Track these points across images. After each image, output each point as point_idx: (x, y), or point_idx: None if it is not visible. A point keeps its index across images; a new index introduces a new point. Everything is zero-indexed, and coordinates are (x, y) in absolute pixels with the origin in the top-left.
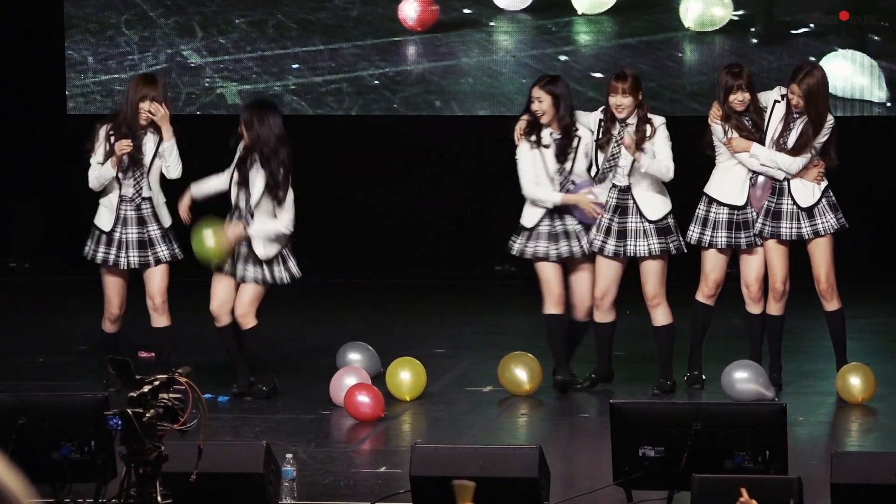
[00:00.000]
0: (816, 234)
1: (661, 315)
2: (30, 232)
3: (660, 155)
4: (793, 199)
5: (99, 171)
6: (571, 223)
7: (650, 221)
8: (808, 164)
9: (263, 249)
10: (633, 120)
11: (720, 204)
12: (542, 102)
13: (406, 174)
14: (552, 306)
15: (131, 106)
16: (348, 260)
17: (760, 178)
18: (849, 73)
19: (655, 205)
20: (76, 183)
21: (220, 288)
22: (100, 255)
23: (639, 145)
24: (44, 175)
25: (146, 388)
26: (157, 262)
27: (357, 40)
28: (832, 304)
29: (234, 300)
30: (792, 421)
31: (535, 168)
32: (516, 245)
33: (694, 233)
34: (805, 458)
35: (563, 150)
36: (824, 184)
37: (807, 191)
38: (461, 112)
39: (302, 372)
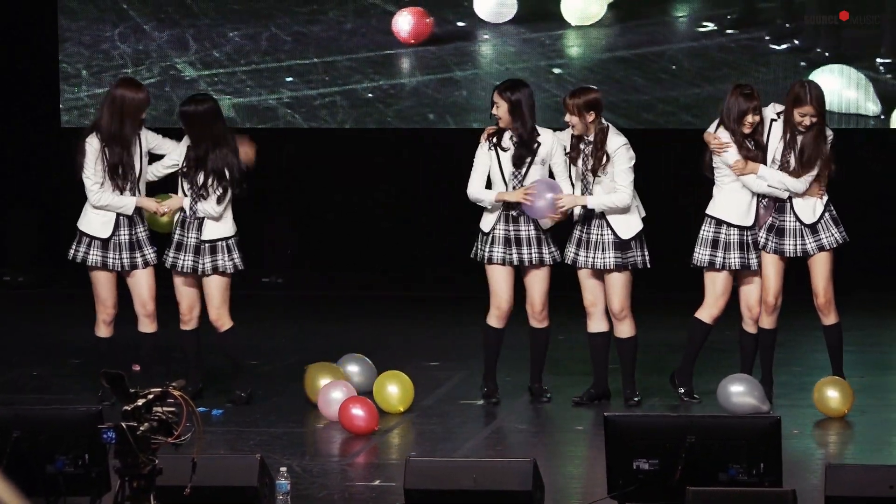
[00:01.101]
0: (821, 249)
1: (626, 328)
2: (24, 244)
3: (617, 180)
4: (795, 215)
5: (112, 200)
6: (527, 229)
7: (616, 237)
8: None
9: (207, 230)
10: (591, 137)
11: (730, 225)
12: (499, 108)
13: (400, 187)
14: (495, 319)
15: (128, 117)
16: (342, 272)
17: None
18: (838, 87)
19: (628, 224)
20: (70, 195)
21: (185, 290)
22: (94, 258)
23: (594, 171)
24: (38, 187)
25: (140, 402)
26: (146, 263)
27: (351, 53)
28: (829, 319)
29: (199, 301)
30: (786, 433)
31: (485, 169)
32: (477, 250)
33: (703, 255)
34: (800, 471)
35: (521, 157)
36: (825, 198)
37: (809, 207)
38: (455, 125)
39: (297, 384)
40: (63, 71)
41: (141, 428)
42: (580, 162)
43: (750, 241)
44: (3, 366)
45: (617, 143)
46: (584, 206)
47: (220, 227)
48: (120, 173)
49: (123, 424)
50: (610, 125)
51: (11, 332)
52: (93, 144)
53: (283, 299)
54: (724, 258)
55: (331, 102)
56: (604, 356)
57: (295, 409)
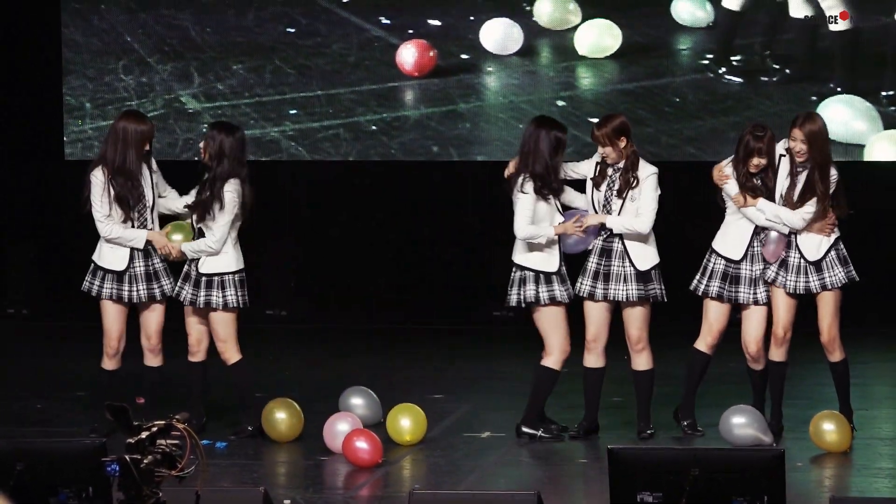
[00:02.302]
0: (824, 288)
1: (643, 360)
2: (27, 277)
3: (640, 204)
4: (800, 252)
5: (122, 233)
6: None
7: (636, 269)
8: (818, 217)
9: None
10: (622, 164)
11: (719, 255)
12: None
13: (402, 219)
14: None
15: (131, 148)
16: (345, 305)
17: (773, 234)
18: (846, 117)
19: (645, 255)
20: (73, 228)
21: (194, 322)
22: (109, 291)
23: (621, 192)
24: (41, 220)
25: (144, 434)
26: (163, 295)
27: (355, 86)
28: (835, 356)
29: (208, 334)
30: (790, 466)
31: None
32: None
33: (695, 281)
34: None
35: (543, 195)
36: (835, 235)
37: (814, 244)
38: (459, 157)
39: None
40: (67, 103)
41: (144, 461)
42: (604, 186)
43: (733, 275)
44: (7, 398)
45: (648, 170)
46: (603, 230)
47: (219, 261)
48: (128, 204)
49: (127, 457)
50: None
51: (15, 365)
52: (98, 177)
53: (285, 331)
54: (706, 285)
55: (334, 135)
56: (597, 391)
57: (298, 441)
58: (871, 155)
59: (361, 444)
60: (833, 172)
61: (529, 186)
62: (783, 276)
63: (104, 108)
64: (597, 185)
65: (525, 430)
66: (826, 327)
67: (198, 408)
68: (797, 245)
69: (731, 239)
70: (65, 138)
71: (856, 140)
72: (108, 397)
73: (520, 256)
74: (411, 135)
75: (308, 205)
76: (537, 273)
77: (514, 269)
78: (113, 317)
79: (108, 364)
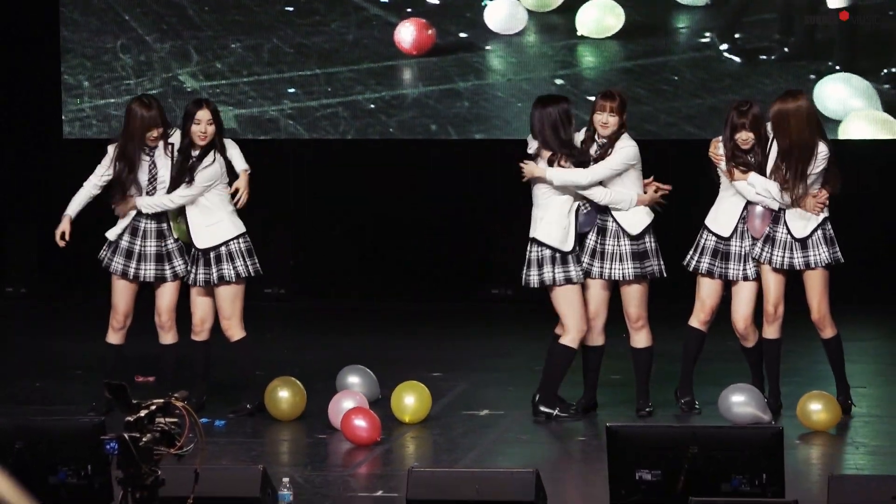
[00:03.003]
0: (807, 266)
1: (642, 338)
2: (26, 256)
3: (600, 163)
4: (787, 228)
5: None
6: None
7: (630, 238)
8: (806, 194)
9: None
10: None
11: (710, 232)
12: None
13: (402, 198)
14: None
15: (135, 135)
16: (344, 283)
17: (758, 208)
18: (844, 95)
19: (635, 220)
20: None
21: (198, 302)
22: (116, 266)
23: (599, 160)
24: (40, 199)
25: (143, 413)
26: (175, 276)
27: (353, 64)
28: (827, 333)
29: (212, 314)
30: (789, 444)
31: None
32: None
33: (688, 256)
34: (802, 482)
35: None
36: (823, 215)
37: (801, 221)
38: (457, 136)
39: None
40: (65, 82)
41: (143, 439)
42: (592, 153)
43: (723, 252)
44: (6, 377)
45: (626, 142)
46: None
47: (216, 232)
48: (121, 189)
49: (126, 435)
50: None
51: (14, 344)
52: (108, 153)
53: (284, 310)
54: (697, 261)
55: (333, 113)
56: (596, 369)
57: (297, 420)
58: (846, 133)
59: (360, 423)
60: (821, 150)
61: (566, 162)
62: (768, 251)
63: (102, 86)
64: (587, 162)
65: (543, 408)
66: (815, 305)
67: (200, 387)
68: (785, 221)
69: (721, 216)
70: (63, 117)
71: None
72: (108, 373)
73: (542, 233)
74: (410, 113)
75: (306, 183)
76: (554, 252)
77: (531, 247)
78: (119, 292)
79: (112, 337)
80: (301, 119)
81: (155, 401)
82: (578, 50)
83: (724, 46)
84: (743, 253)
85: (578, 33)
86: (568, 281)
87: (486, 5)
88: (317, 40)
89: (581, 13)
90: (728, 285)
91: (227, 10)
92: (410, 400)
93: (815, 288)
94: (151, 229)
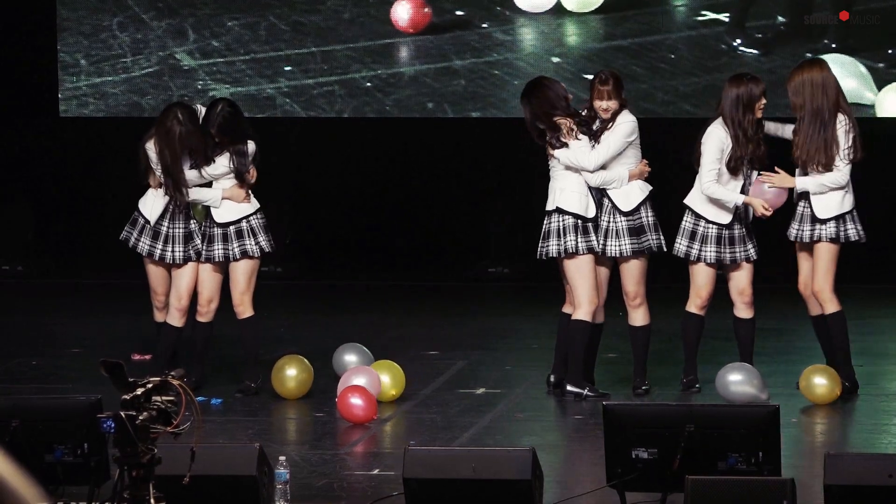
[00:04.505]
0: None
1: (640, 315)
2: (22, 234)
3: (601, 142)
4: (810, 205)
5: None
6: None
7: (624, 214)
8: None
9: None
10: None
11: (707, 221)
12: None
13: (398, 176)
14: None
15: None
16: (340, 262)
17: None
18: (838, 75)
19: (628, 196)
20: (68, 185)
21: (207, 282)
22: (143, 247)
23: (599, 134)
24: (36, 177)
25: (139, 391)
26: (197, 255)
27: (349, 42)
28: (828, 308)
29: (218, 295)
30: (785, 422)
31: None
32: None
33: (681, 245)
34: (799, 460)
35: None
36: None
37: (824, 201)
38: (453, 114)
39: None
40: (62, 60)
41: (140, 417)
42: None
43: (727, 237)
44: (3, 355)
45: (626, 117)
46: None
47: (237, 207)
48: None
49: (122, 414)
50: None
51: (10, 322)
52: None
53: (280, 288)
54: (700, 251)
55: (329, 92)
56: (594, 348)
57: (297, 398)
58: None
59: (356, 401)
60: (840, 119)
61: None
62: (793, 225)
63: (99, 64)
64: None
65: (571, 388)
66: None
67: (198, 367)
68: (809, 201)
69: (713, 203)
70: (60, 95)
71: (850, 99)
72: (163, 353)
73: (565, 201)
74: (406, 91)
75: (303, 161)
76: (577, 220)
77: (552, 218)
78: (154, 275)
79: (158, 316)
80: (297, 97)
81: (152, 379)
82: (575, 28)
83: (738, 40)
84: (743, 234)
85: (567, 9)
86: (590, 250)
87: None
88: (313, 18)
89: None
90: (721, 267)
91: None
92: (386, 379)
93: (818, 263)
94: (180, 210)
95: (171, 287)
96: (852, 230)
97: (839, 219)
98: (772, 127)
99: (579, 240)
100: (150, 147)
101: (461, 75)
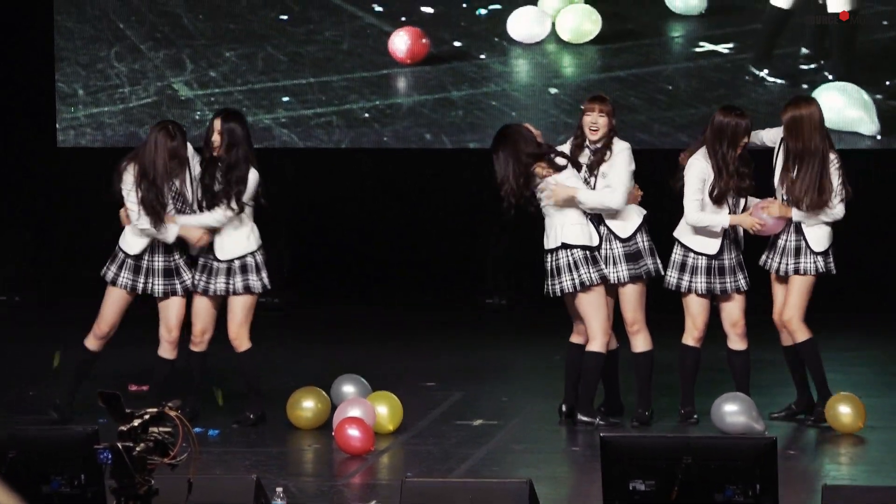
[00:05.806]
0: (796, 272)
1: (640, 341)
2: (19, 263)
3: (612, 179)
4: (804, 238)
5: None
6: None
7: (621, 240)
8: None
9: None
10: (599, 143)
11: (696, 253)
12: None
13: (395, 207)
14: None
15: (160, 158)
16: (337, 293)
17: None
18: (840, 105)
19: (625, 223)
20: (66, 215)
21: (201, 313)
22: (125, 282)
23: (593, 168)
24: (34, 207)
25: (136, 422)
26: (184, 291)
27: (347, 73)
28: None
29: (212, 326)
30: (783, 454)
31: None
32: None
33: (672, 278)
34: (796, 492)
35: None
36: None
37: (819, 231)
38: (451, 145)
39: None
40: (59, 90)
41: (137, 448)
42: (583, 169)
43: (716, 268)
44: (0, 386)
45: (622, 145)
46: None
47: (243, 242)
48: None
49: (119, 445)
50: None
51: (7, 352)
52: (128, 171)
53: (278, 319)
54: (691, 282)
55: (327, 122)
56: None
57: (291, 429)
58: None
59: (353, 432)
60: (833, 158)
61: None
62: (771, 258)
63: (97, 94)
64: (578, 168)
65: (582, 417)
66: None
67: (194, 397)
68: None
69: (701, 233)
70: (57, 125)
71: (850, 128)
72: (78, 375)
73: (570, 236)
74: (404, 122)
75: (300, 192)
76: (585, 252)
77: (558, 255)
78: (113, 303)
79: (92, 344)
80: (295, 128)
81: (148, 410)
82: (572, 59)
83: (765, 70)
84: (733, 264)
85: (563, 38)
86: (603, 278)
87: (479, 15)
88: (311, 49)
89: (560, 19)
90: (713, 297)
91: (221, 19)
92: (383, 410)
93: (795, 292)
94: (160, 244)
95: (160, 320)
96: (832, 263)
97: (826, 252)
98: (756, 139)
99: (591, 270)
100: (129, 171)
101: (458, 106)
